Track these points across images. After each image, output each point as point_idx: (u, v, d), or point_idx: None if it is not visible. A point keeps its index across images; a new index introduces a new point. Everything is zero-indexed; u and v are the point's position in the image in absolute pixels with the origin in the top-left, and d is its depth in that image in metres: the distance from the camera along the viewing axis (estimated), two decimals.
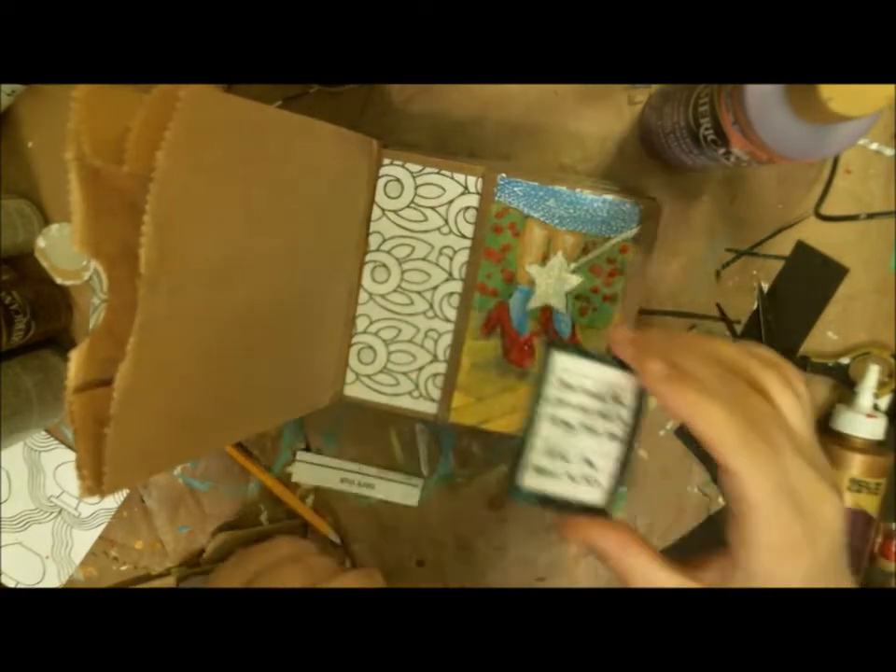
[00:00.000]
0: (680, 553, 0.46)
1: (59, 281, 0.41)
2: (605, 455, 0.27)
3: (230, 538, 0.48)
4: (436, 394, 0.42)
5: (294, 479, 0.47)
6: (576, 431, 0.27)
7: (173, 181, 0.22)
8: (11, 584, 0.49)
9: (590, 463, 0.27)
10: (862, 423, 0.42)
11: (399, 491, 0.47)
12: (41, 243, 0.41)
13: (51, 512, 0.49)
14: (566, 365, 0.27)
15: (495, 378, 0.41)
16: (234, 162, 0.27)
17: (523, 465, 0.26)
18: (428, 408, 0.42)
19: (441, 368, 0.42)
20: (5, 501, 0.49)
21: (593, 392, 0.27)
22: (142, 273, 0.22)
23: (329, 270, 0.38)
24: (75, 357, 0.24)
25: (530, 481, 0.26)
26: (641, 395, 0.27)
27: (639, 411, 0.27)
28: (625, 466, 0.27)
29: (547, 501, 0.26)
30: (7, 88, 0.43)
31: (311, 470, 0.47)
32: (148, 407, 0.25)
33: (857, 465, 0.41)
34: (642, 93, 0.43)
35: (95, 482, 0.23)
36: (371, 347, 0.42)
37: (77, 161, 0.22)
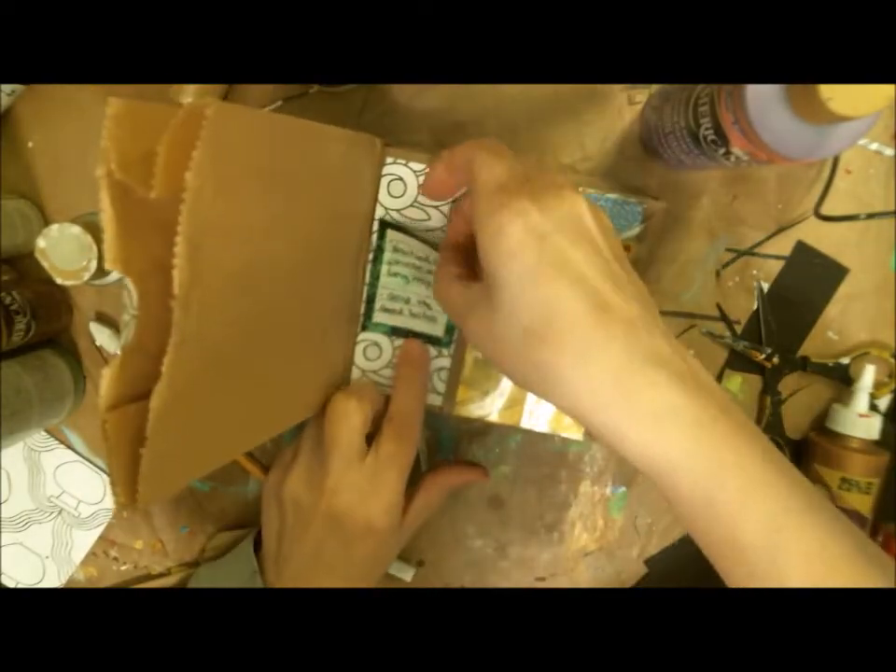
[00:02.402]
0: (679, 552, 0.47)
1: (59, 281, 0.41)
2: None
3: (230, 538, 0.48)
4: (441, 387, 0.42)
5: None
6: (411, 282, 0.38)
7: (202, 200, 0.22)
8: (11, 584, 0.49)
9: (427, 305, 0.38)
10: (857, 422, 0.42)
11: (395, 566, 0.48)
12: (41, 243, 0.41)
13: (51, 512, 0.49)
14: (396, 237, 0.39)
15: (498, 373, 0.41)
16: (255, 174, 0.27)
17: (374, 309, 0.39)
18: (433, 400, 0.42)
19: (445, 362, 0.42)
20: (5, 501, 0.49)
21: (420, 255, 0.38)
22: (175, 293, 0.22)
23: (334, 269, 0.39)
24: (107, 374, 0.24)
25: (381, 317, 0.39)
26: None
27: None
28: None
29: (396, 331, 0.39)
30: (6, 88, 0.42)
31: None
32: (180, 423, 0.25)
33: (850, 464, 0.41)
34: (642, 93, 0.43)
35: (129, 498, 0.24)
36: (376, 344, 0.42)
37: (107, 178, 0.22)
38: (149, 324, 0.25)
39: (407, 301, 0.35)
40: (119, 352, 0.24)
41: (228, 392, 0.29)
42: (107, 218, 0.23)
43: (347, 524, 0.36)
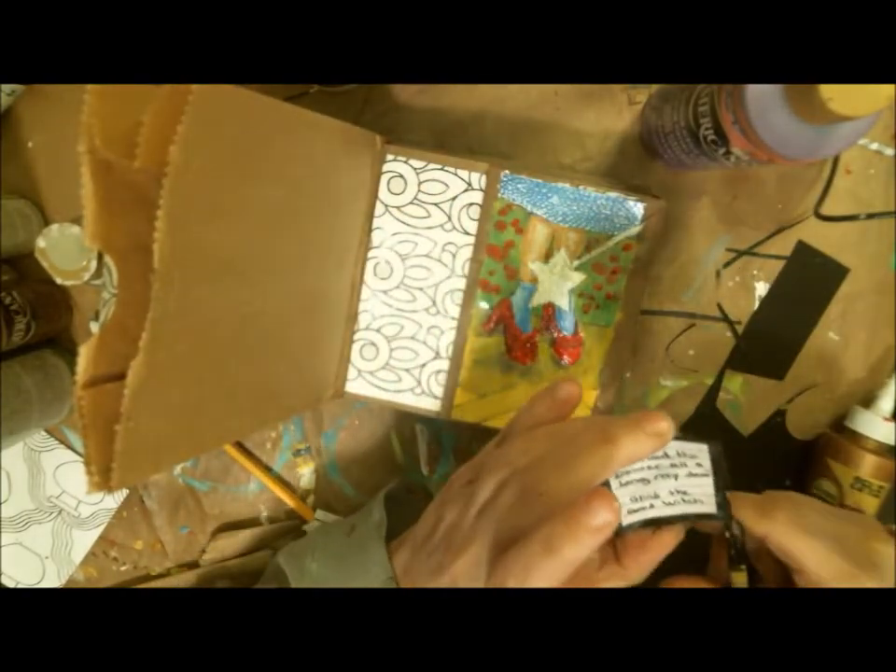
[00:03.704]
0: (678, 548, 0.46)
1: (59, 281, 0.41)
2: (697, 486, 0.29)
3: (230, 539, 0.48)
4: (438, 391, 0.42)
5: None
6: (653, 481, 0.28)
7: (186, 175, 0.22)
8: (11, 584, 0.49)
9: (683, 492, 0.29)
10: (878, 425, 0.42)
11: None
12: (41, 243, 0.41)
13: (51, 512, 0.49)
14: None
15: (497, 375, 0.41)
16: (246, 157, 0.27)
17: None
18: (431, 405, 0.42)
19: (443, 365, 0.42)
20: (5, 501, 0.49)
21: (653, 455, 0.28)
22: (155, 268, 0.22)
23: (332, 266, 0.38)
24: (84, 351, 0.23)
25: (630, 520, 0.28)
26: (714, 451, 0.29)
27: (719, 459, 0.29)
28: (723, 487, 0.29)
29: (653, 523, 0.28)
30: (6, 88, 0.43)
31: None
32: (159, 403, 0.25)
33: (865, 464, 0.42)
34: (642, 93, 0.43)
35: (103, 478, 0.23)
36: (373, 344, 0.42)
37: (88, 154, 0.22)
38: (130, 304, 0.24)
39: (656, 496, 0.28)
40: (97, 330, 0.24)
41: (214, 377, 0.28)
42: (88, 194, 0.22)
43: None
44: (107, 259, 0.24)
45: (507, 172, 0.39)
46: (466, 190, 0.40)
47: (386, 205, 0.41)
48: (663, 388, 0.45)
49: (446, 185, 0.40)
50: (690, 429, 0.46)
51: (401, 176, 0.40)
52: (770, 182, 0.43)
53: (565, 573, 0.24)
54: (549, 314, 0.41)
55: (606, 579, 0.28)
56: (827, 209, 0.43)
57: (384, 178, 0.40)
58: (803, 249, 0.44)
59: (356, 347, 0.42)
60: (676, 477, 0.29)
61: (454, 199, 0.40)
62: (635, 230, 0.39)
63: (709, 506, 0.29)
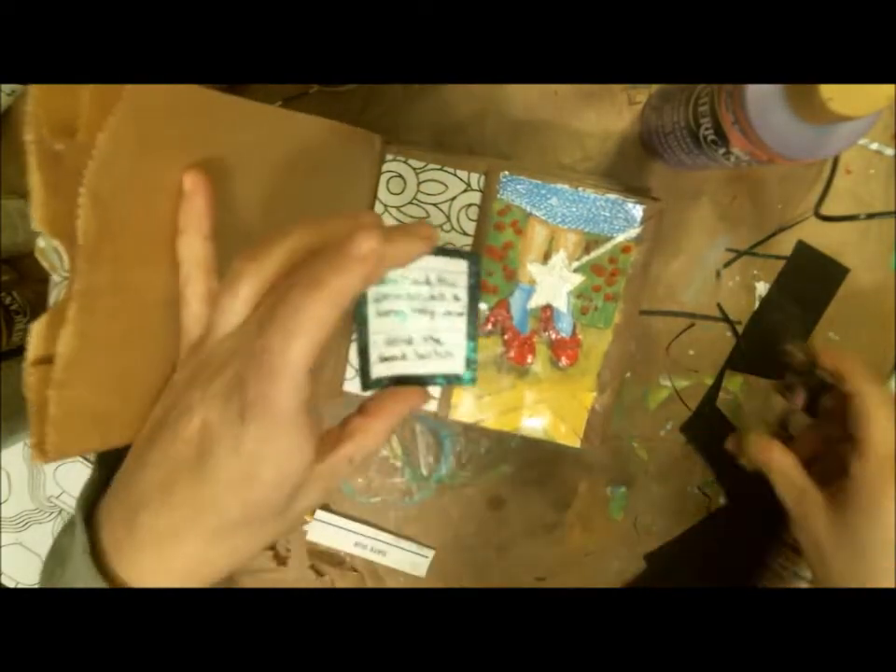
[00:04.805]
0: (680, 549, 0.47)
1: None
2: (449, 329, 0.29)
3: None
4: (436, 391, 0.42)
5: (308, 537, 0.47)
6: (409, 317, 0.28)
7: (117, 161, 0.23)
8: (11, 584, 0.49)
9: (436, 340, 0.29)
10: None
11: (409, 560, 0.48)
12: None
13: (51, 512, 0.49)
14: None
15: (495, 376, 0.41)
16: (234, 157, 0.27)
17: (370, 361, 0.28)
18: (430, 405, 0.42)
19: None
20: (5, 501, 0.49)
21: (415, 280, 0.28)
22: (80, 244, 0.24)
23: None
24: (35, 330, 0.25)
25: (380, 370, 0.28)
26: (473, 268, 0.29)
27: (475, 283, 0.29)
28: (472, 335, 0.29)
29: (402, 381, 0.28)
30: (6, 88, 0.43)
31: (326, 530, 0.48)
32: (100, 377, 0.25)
33: None
34: (642, 93, 0.43)
35: (40, 440, 0.24)
36: None
37: (35, 144, 0.23)
38: None
39: (409, 342, 0.27)
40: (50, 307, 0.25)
41: (169, 361, 0.28)
42: (34, 182, 0.24)
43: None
44: (55, 243, 0.25)
45: (506, 172, 0.39)
46: (465, 191, 0.40)
47: (386, 205, 0.41)
48: (663, 388, 0.45)
49: (445, 185, 0.40)
50: (690, 429, 0.46)
51: (401, 176, 0.40)
52: (770, 182, 0.43)
53: (333, 312, 0.21)
54: (547, 315, 0.41)
55: (350, 436, 0.26)
56: (827, 209, 0.43)
57: (383, 178, 0.40)
58: (803, 249, 0.44)
59: (353, 347, 0.42)
60: (432, 315, 0.28)
61: (453, 199, 0.40)
62: (634, 232, 0.39)
63: (458, 364, 0.29)
